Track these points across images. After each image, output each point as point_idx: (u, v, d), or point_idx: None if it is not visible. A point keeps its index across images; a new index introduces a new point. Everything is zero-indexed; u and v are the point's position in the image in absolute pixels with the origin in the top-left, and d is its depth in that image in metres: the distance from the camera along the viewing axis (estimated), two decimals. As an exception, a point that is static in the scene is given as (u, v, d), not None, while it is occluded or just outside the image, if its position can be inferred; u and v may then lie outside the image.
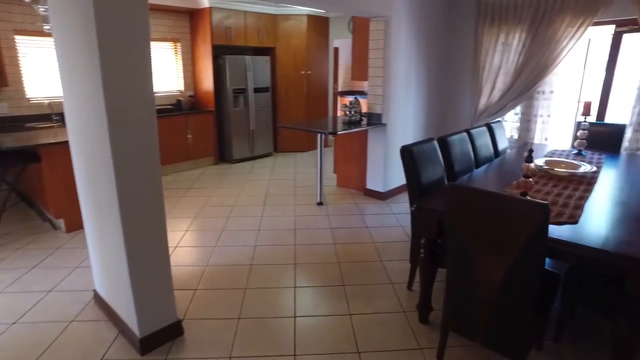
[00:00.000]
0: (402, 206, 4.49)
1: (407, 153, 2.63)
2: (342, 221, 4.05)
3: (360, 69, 4.71)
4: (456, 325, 2.00)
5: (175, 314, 2.29)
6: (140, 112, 1.90)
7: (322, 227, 3.91)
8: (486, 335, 1.88)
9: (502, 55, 4.74)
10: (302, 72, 6.71)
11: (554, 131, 4.75)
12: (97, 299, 2.56)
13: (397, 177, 4.85)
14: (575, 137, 3.91)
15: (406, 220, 4.09)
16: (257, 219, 4.06)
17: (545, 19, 4.34)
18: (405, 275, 2.97)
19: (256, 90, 6.31)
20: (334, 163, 5.26)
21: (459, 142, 3.23)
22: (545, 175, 2.80)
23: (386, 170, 4.62)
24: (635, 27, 4.04)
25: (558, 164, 3.02)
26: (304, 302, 2.64)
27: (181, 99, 5.92)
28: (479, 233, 1.78)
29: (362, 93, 8.15)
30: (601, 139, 3.87)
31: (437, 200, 2.33)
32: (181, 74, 6.11)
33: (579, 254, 1.77)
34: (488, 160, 3.68)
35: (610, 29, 4.27)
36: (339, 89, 8.11)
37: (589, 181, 2.66)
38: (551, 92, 4.61)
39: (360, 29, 4.64)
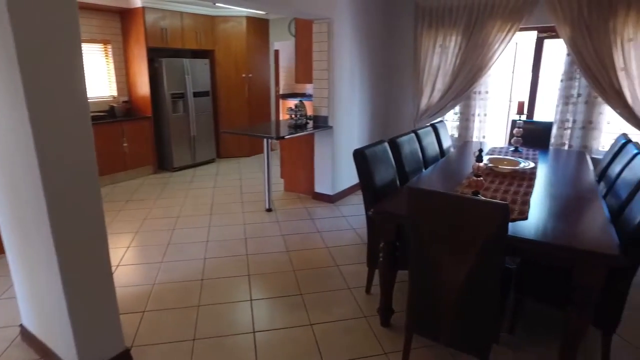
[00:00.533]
0: (352, 208, 4.51)
1: (360, 156, 2.61)
2: (293, 227, 3.97)
3: (304, 71, 4.66)
4: (420, 327, 2.00)
5: (122, 343, 2.08)
6: (72, 119, 1.69)
7: (273, 234, 3.80)
8: (450, 334, 1.90)
9: (441, 57, 4.91)
10: (243, 75, 6.54)
11: (491, 129, 5.01)
12: (25, 335, 2.25)
13: (346, 179, 4.86)
14: (511, 135, 4.15)
15: (357, 222, 4.09)
16: (204, 230, 3.86)
17: (478, 23, 4.57)
18: (362, 279, 2.95)
19: (196, 94, 6.05)
20: (280, 167, 5.16)
21: (408, 143, 3.29)
22: (491, 172, 2.92)
23: (334, 173, 4.61)
24: (554, 33, 4.37)
25: (501, 161, 3.17)
26: (262, 316, 2.52)
27: (115, 105, 5.50)
28: (440, 235, 1.79)
29: (304, 95, 8.13)
30: (532, 136, 4.14)
31: (393, 204, 2.32)
32: (113, 78, 5.68)
33: (531, 249, 1.84)
34: (435, 159, 3.79)
35: (534, 34, 4.59)
36: (281, 92, 8.02)
37: (529, 177, 2.81)
38: (486, 92, 4.86)
39: (302, 31, 4.59)
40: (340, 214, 4.33)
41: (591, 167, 3.28)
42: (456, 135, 5.14)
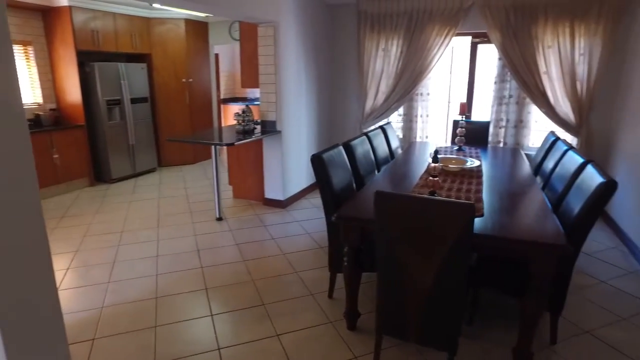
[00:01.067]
0: (304, 212, 4.49)
1: (318, 161, 2.60)
2: (247, 235, 3.88)
3: (250, 75, 4.58)
4: (390, 327, 2.03)
5: (73, 376, 1.89)
6: (6, 130, 1.50)
7: (227, 244, 3.68)
8: (420, 333, 1.95)
9: (384, 60, 5.05)
10: (183, 80, 6.28)
11: (433, 129, 5.24)
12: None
13: (296, 183, 4.84)
14: (454, 135, 4.37)
15: (311, 226, 4.09)
16: (153, 244, 3.65)
17: (418, 28, 4.76)
18: (323, 284, 2.95)
19: (133, 100, 5.71)
20: (228, 174, 5.03)
21: (361, 146, 3.34)
22: (442, 172, 3.04)
23: (284, 178, 4.57)
24: (486, 39, 4.68)
25: (449, 160, 3.32)
26: (226, 331, 2.43)
27: (40, 113, 5.03)
28: (408, 237, 1.83)
29: (246, 100, 8.00)
30: (472, 135, 4.39)
31: (356, 208, 2.34)
32: (37, 84, 5.20)
33: (490, 244, 1.94)
34: (385, 161, 3.88)
35: (469, 39, 4.88)
36: (222, 97, 7.82)
37: (477, 175, 2.97)
38: (428, 94, 5.08)
39: (247, 34, 4.51)
40: (293, 219, 4.30)
41: (527, 162, 3.54)
42: (401, 135, 5.32)
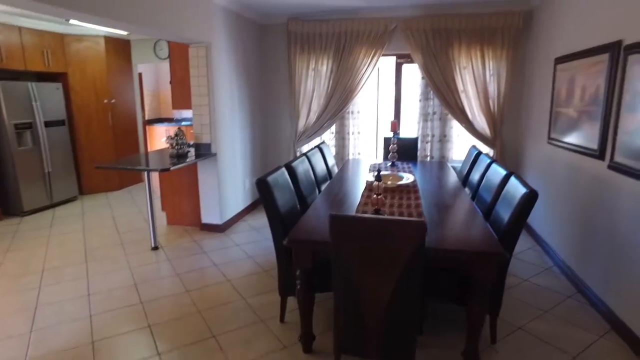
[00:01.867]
0: (244, 236, 4.41)
1: (264, 185, 2.59)
2: (187, 263, 3.71)
3: (182, 96, 4.44)
4: (349, 347, 2.07)
5: None
6: None
7: (166, 274, 3.49)
8: (379, 349, 2.01)
9: (315, 80, 5.18)
10: (105, 101, 5.90)
11: (364, 146, 5.46)
12: None
13: (233, 206, 4.75)
14: (386, 151, 4.59)
15: (253, 249, 4.02)
16: (82, 282, 3.34)
17: (347, 49, 4.96)
18: (273, 309, 2.91)
19: (48, 124, 5.23)
20: (161, 200, 4.78)
21: (302, 167, 3.38)
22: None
23: (221, 201, 4.46)
24: (409, 59, 5.03)
25: (386, 177, 3.48)
26: (177, 370, 2.30)
27: None
28: (364, 256, 1.89)
29: (172, 120, 7.70)
30: (403, 150, 4.64)
31: (306, 230, 2.37)
32: None
33: (437, 257, 2.07)
34: (325, 179, 3.96)
35: (394, 60, 5.19)
36: (147, 118, 7.44)
37: (414, 189, 3.15)
38: (358, 112, 5.29)
39: (177, 54, 4.38)
40: (233, 243, 4.20)
41: (454, 175, 3.83)
42: (334, 153, 5.46)
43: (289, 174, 3.07)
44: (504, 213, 2.45)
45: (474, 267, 2.04)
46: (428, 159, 5.11)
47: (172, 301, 3.04)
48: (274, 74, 5.46)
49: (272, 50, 5.41)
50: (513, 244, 2.32)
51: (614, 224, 2.73)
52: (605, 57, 2.92)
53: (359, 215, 1.91)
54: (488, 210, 2.80)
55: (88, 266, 3.64)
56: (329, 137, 5.47)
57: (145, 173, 3.89)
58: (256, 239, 4.30)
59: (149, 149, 7.02)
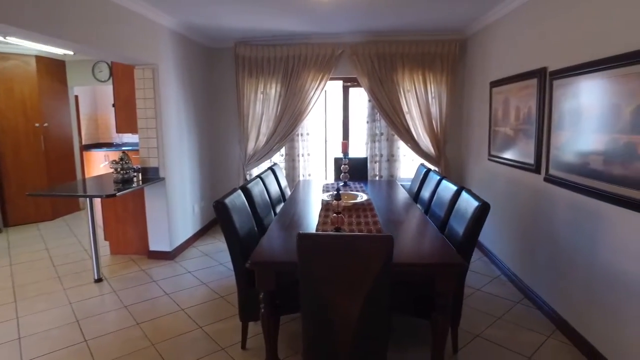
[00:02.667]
0: (195, 262, 4.22)
1: (222, 208, 2.52)
2: (136, 294, 3.48)
3: (127, 120, 4.25)
4: (319, 368, 2.03)
5: None
6: None
7: (113, 307, 3.24)
8: (349, 368, 1.99)
9: (263, 103, 5.19)
10: (37, 125, 5.48)
11: (314, 167, 5.51)
12: None
13: (182, 232, 4.56)
14: (338, 171, 4.66)
15: (206, 276, 3.86)
16: (11, 324, 3.00)
17: (295, 73, 5.05)
18: (233, 336, 2.80)
19: (-32, 149, 4.75)
20: (104, 228, 4.47)
21: (257, 188, 3.34)
22: (334, 205, 3.21)
23: (171, 227, 4.27)
24: (356, 83, 5.22)
25: (342, 196, 3.53)
26: (132, 410, 2.11)
27: None
28: (333, 274, 1.88)
29: (111, 145, 7.33)
30: (353, 170, 4.74)
31: (268, 252, 2.33)
32: None
33: (401, 271, 2.11)
34: (279, 201, 3.94)
35: (340, 83, 5.36)
36: (84, 143, 7.02)
37: (369, 207, 3.22)
38: (308, 134, 5.36)
39: (121, 76, 4.20)
40: (185, 270, 4.01)
41: (405, 192, 3.97)
42: (284, 175, 5.45)
43: (245, 196, 3.02)
44: (458, 226, 2.58)
45: (437, 278, 2.11)
46: (377, 178, 5.27)
47: (122, 336, 2.82)
48: (223, 98, 5.41)
49: (220, 74, 5.37)
50: (470, 255, 2.43)
51: (554, 231, 2.97)
52: (534, 81, 3.23)
53: (327, 232, 1.91)
54: (442, 225, 2.93)
55: (19, 305, 3.28)
56: (279, 159, 5.47)
57: (88, 200, 3.64)
58: (208, 265, 4.14)
59: (86, 176, 6.59)
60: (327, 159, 5.75)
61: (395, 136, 5.15)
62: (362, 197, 3.48)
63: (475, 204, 2.44)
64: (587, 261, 2.56)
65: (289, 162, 5.44)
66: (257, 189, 3.32)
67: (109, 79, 5.87)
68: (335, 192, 2.56)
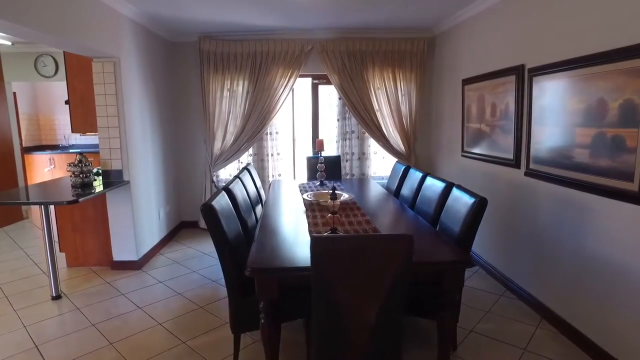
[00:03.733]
0: (166, 271, 3.94)
1: (211, 211, 2.33)
2: (104, 310, 3.16)
3: (84, 118, 3.87)
4: (331, 377, 1.91)
5: None
6: None
7: (79, 327, 2.91)
8: (364, 375, 1.89)
9: (230, 101, 4.96)
10: (-30, 125, 4.87)
11: (284, 167, 5.35)
12: None
13: (149, 239, 4.25)
14: (311, 170, 4.55)
15: (180, 285, 3.60)
16: (-40, 353, 2.60)
17: (263, 69, 4.87)
18: (221, 349, 2.61)
19: None
20: (59, 239, 4.04)
21: (239, 189, 3.15)
22: (318, 207, 3.11)
23: (137, 234, 3.94)
24: (325, 80, 5.13)
25: (323, 195, 3.42)
26: None
27: None
28: (349, 277, 1.77)
29: (57, 147, 6.72)
30: (327, 169, 4.64)
31: (269, 258, 2.17)
32: None
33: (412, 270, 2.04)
34: (257, 201, 3.76)
35: (309, 80, 5.24)
36: (24, 145, 6.37)
37: (356, 206, 3.13)
38: (277, 132, 5.19)
39: (76, 70, 3.82)
40: (155, 280, 3.72)
41: (383, 190, 3.94)
42: (256, 175, 5.25)
43: (229, 197, 2.83)
44: (452, 223, 2.56)
45: (445, 276, 2.07)
46: (348, 176, 5.21)
47: (93, 359, 2.53)
48: (186, 95, 5.11)
49: (183, 70, 5.06)
50: (469, 250, 2.42)
51: (536, 223, 3.05)
52: (511, 78, 3.31)
53: (343, 235, 1.80)
54: (432, 222, 2.90)
55: (-35, 331, 2.86)
56: (247, 159, 5.25)
57: (43, 208, 3.25)
58: (180, 273, 3.87)
59: (29, 181, 5.99)
60: (296, 158, 5.61)
61: (366, 134, 5.12)
62: (344, 195, 3.39)
63: (472, 199, 2.43)
64: (573, 250, 2.64)
65: (258, 162, 5.24)
66: (238, 190, 3.13)
67: (55, 74, 5.34)
68: (331, 192, 2.46)
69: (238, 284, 2.36)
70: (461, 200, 2.55)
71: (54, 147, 6.65)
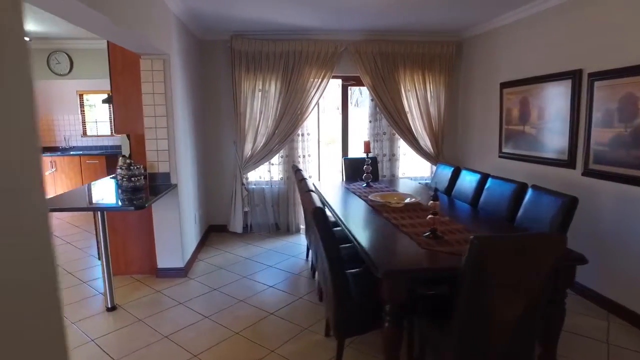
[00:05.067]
0: (212, 277, 3.78)
1: (322, 214, 2.28)
2: (169, 321, 3.00)
3: (127, 118, 3.65)
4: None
5: None
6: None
7: (151, 340, 2.75)
8: (510, 375, 1.91)
9: (262, 101, 4.86)
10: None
11: (314, 169, 5.29)
12: None
13: (190, 245, 4.09)
14: (351, 171, 4.52)
15: (236, 292, 3.47)
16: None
17: (296, 70, 4.80)
18: (318, 356, 2.54)
19: None
20: (97, 246, 3.80)
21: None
22: (390, 209, 3.10)
23: (183, 240, 3.78)
24: (354, 82, 5.13)
25: (389, 196, 3.42)
26: None
27: None
28: (503, 279, 1.78)
29: (58, 150, 6.33)
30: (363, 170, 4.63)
31: (399, 261, 2.17)
32: None
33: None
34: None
35: (338, 82, 5.22)
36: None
37: (425, 208, 3.13)
38: (308, 134, 5.13)
39: (121, 68, 3.60)
40: (209, 287, 3.56)
41: (429, 190, 3.97)
42: (285, 177, 5.16)
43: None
44: (537, 222, 2.60)
45: (559, 274, 2.11)
46: (380, 177, 5.22)
47: (191, 372, 2.40)
48: (216, 95, 4.95)
49: (214, 69, 4.90)
50: (567, 249, 2.49)
51: (596, 221, 3.18)
52: (566, 82, 3.44)
53: (505, 234, 1.81)
54: (508, 222, 2.95)
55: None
56: (277, 160, 5.16)
57: (100, 214, 3.05)
58: (230, 279, 3.74)
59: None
60: (320, 159, 5.55)
61: (396, 135, 5.16)
62: (410, 197, 3.40)
63: (559, 199, 2.50)
64: (650, 247, 2.78)
65: (288, 164, 5.15)
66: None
67: (69, 71, 5.02)
68: (433, 192, 2.46)
69: (347, 287, 2.32)
70: (544, 200, 2.62)
71: (53, 149, 6.25)
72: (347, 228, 2.71)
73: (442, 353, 2.01)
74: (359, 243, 2.42)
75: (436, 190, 2.46)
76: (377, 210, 3.13)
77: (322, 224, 2.26)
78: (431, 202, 2.45)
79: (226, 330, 2.87)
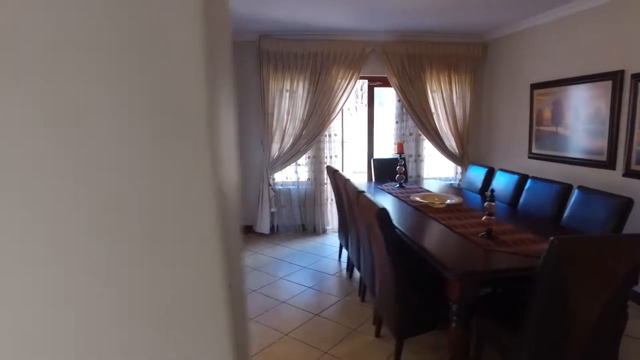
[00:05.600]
0: (248, 279, 3.78)
1: (386, 214, 2.29)
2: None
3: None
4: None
5: None
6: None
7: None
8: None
9: (290, 101, 4.86)
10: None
11: (339, 169, 5.28)
12: None
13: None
14: (381, 172, 4.52)
15: (276, 293, 3.47)
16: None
17: (324, 70, 4.80)
18: (373, 357, 2.54)
19: None
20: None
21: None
22: (434, 209, 3.10)
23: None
24: (380, 82, 5.14)
25: (429, 197, 3.42)
26: None
27: None
28: (581, 280, 1.79)
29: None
30: (392, 170, 4.62)
31: (470, 262, 2.17)
32: None
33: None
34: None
35: (364, 82, 5.23)
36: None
37: (468, 209, 3.15)
38: (335, 135, 5.13)
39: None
40: (250, 289, 3.52)
41: (468, 192, 3.98)
42: (312, 178, 5.15)
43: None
44: (585, 223, 2.60)
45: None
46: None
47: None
48: (243, 95, 4.93)
49: (241, 69, 4.87)
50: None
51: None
52: (606, 83, 3.45)
53: (586, 236, 1.82)
54: (553, 222, 2.96)
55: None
56: (304, 161, 5.15)
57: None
58: (267, 280, 3.73)
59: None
60: (344, 160, 5.56)
61: (421, 136, 5.17)
62: (451, 198, 3.40)
63: (614, 200, 2.51)
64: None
65: (315, 164, 5.14)
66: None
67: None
68: (490, 193, 2.47)
69: (406, 289, 2.32)
70: (594, 201, 2.63)
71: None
72: (398, 228, 2.71)
73: (516, 354, 2.00)
74: (417, 243, 2.42)
75: (492, 191, 2.46)
76: (421, 211, 3.14)
77: (387, 225, 2.27)
78: (487, 203, 2.46)
79: (274, 332, 2.86)
